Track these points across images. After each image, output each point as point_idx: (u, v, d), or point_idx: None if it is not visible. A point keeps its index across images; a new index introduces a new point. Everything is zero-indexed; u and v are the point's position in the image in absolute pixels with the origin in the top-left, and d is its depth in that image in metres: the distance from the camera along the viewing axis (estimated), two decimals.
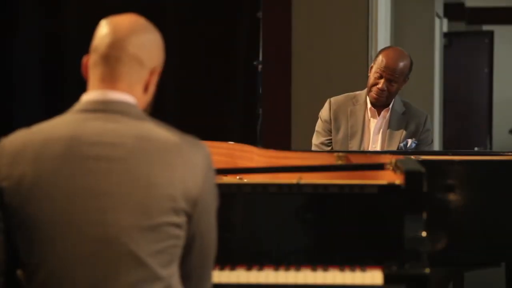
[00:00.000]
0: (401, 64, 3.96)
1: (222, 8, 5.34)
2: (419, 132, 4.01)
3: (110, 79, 1.93)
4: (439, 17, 8.57)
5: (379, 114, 4.04)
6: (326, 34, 5.27)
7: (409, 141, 3.99)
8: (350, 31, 5.23)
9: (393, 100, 4.03)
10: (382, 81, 3.95)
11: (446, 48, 9.62)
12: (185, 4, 5.30)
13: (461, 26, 11.06)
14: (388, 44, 6.62)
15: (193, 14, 5.31)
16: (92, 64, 1.96)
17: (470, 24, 11.37)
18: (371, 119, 4.05)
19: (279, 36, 5.30)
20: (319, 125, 4.14)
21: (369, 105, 4.05)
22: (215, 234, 2.01)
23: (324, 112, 4.11)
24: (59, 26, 5.30)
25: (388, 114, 4.03)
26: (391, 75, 3.94)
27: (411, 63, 4.01)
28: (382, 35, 6.14)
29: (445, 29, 9.87)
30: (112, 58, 1.93)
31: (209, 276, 2.04)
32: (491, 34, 10.38)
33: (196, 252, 1.97)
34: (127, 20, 1.97)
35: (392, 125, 4.01)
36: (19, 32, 5.26)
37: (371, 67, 4.03)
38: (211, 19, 5.32)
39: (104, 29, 1.96)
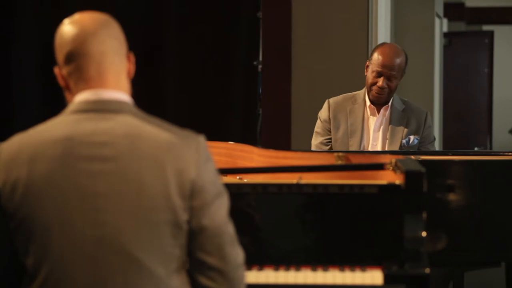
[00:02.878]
0: (398, 60, 3.97)
1: (222, 8, 5.34)
2: (421, 129, 4.03)
3: (97, 76, 1.93)
4: (439, 17, 8.56)
5: (378, 112, 4.05)
6: (326, 34, 5.26)
7: (412, 137, 4.01)
8: (350, 31, 5.23)
9: (392, 97, 4.04)
10: (381, 79, 3.96)
11: (446, 48, 9.60)
12: (185, 4, 5.29)
13: (461, 26, 11.05)
14: None
15: (193, 14, 5.30)
16: (71, 70, 1.94)
17: (470, 24, 11.36)
18: (371, 117, 4.06)
19: (279, 36, 5.30)
20: (318, 126, 4.14)
21: (368, 103, 4.06)
22: (228, 228, 1.93)
23: (323, 112, 4.12)
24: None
25: (388, 112, 4.04)
26: (389, 72, 3.95)
27: (407, 57, 4.04)
28: (382, 35, 6.13)
29: (445, 29, 9.85)
30: (93, 54, 1.92)
31: (237, 276, 1.96)
32: (491, 34, 10.36)
33: (208, 249, 1.91)
34: (88, 16, 1.95)
35: (393, 122, 4.02)
36: (19, 33, 5.25)
37: (367, 66, 4.04)
38: (211, 19, 5.31)
39: (70, 31, 1.93)
